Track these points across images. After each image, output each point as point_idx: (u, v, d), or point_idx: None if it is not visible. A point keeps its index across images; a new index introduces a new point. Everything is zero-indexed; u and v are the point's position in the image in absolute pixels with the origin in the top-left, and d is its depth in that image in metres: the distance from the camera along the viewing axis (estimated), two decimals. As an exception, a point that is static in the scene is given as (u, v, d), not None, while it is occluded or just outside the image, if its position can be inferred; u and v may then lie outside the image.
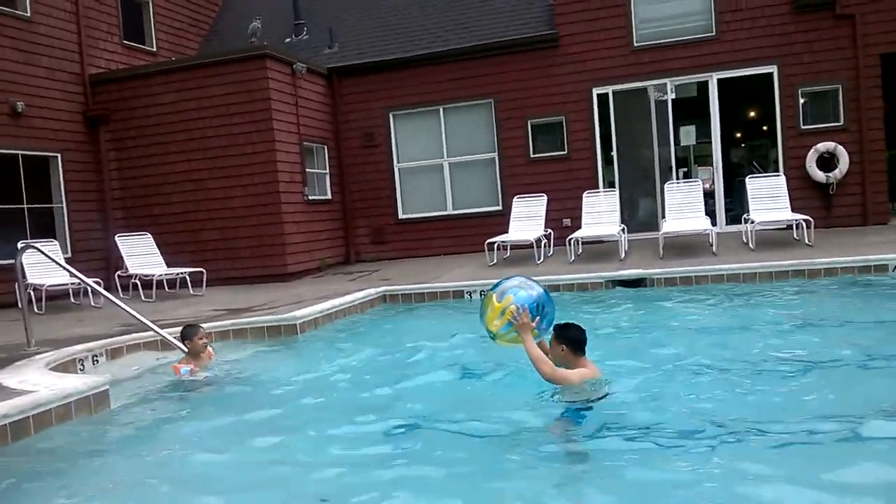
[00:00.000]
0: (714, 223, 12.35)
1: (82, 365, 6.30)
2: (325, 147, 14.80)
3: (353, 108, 15.09)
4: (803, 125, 13.14)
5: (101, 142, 13.47)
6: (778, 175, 12.33)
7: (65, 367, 6.02)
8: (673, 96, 13.72)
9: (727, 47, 13.32)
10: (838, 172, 12.76)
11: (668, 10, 13.77)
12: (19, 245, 7.72)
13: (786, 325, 6.48)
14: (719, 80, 13.48)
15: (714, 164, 13.79)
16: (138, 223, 13.07)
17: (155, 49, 15.51)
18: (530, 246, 11.93)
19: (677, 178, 13.68)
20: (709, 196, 13.42)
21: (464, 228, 14.45)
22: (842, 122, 12.94)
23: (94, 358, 6.46)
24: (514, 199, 13.26)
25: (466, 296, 9.27)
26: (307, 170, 13.89)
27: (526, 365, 4.46)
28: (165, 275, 11.68)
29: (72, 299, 11.32)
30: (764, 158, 16.09)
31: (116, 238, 12.16)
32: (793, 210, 11.47)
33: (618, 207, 12.45)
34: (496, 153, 14.53)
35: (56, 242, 11.50)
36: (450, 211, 14.84)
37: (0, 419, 4.29)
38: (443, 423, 4.40)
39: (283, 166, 12.93)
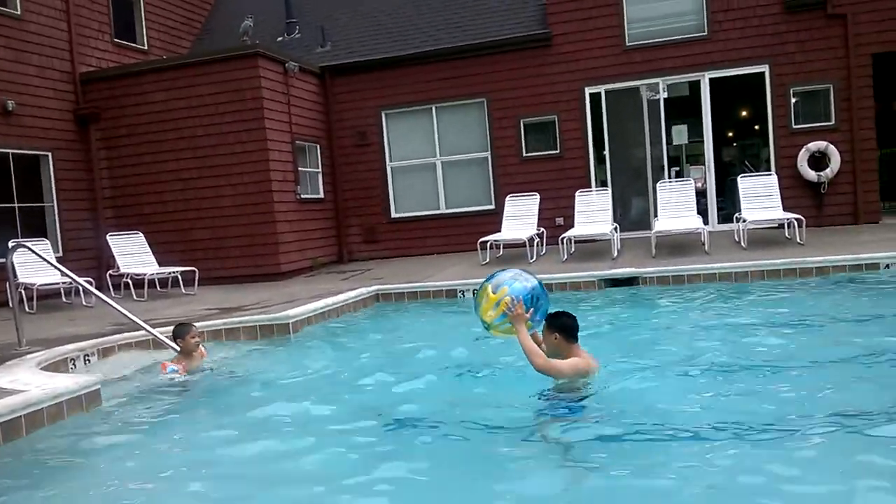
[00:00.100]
0: (706, 222, 12.38)
1: (74, 364, 6.27)
2: (318, 146, 14.77)
3: (345, 107, 15.07)
4: (795, 124, 13.19)
5: (91, 140, 13.41)
6: (769, 174, 12.37)
7: (56, 366, 5.98)
8: (665, 95, 13.75)
9: (719, 47, 13.36)
10: (829, 171, 12.82)
11: (661, 9, 13.81)
12: (10, 244, 7.66)
13: (778, 324, 6.50)
14: (711, 80, 13.52)
15: (706, 164, 13.84)
16: (129, 222, 13.02)
17: (146, 47, 15.45)
18: (523, 245, 11.94)
19: (669, 178, 13.72)
20: (701, 195, 13.45)
21: (456, 227, 14.45)
22: (833, 122, 13.00)
23: (86, 357, 6.43)
24: (507, 198, 13.27)
25: (459, 295, 9.26)
26: (299, 169, 13.86)
27: (519, 361, 4.46)
28: (157, 274, 11.64)
29: (63, 298, 11.26)
30: (756, 157, 16.15)
31: (108, 237, 12.11)
32: (784, 209, 11.51)
33: (610, 206, 12.48)
34: (489, 152, 14.53)
35: (47, 241, 11.46)
36: (442, 210, 14.84)
37: (-9, 419, 4.26)
38: (436, 422, 4.39)
39: (275, 165, 12.90)
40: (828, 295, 7.77)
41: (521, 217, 12.82)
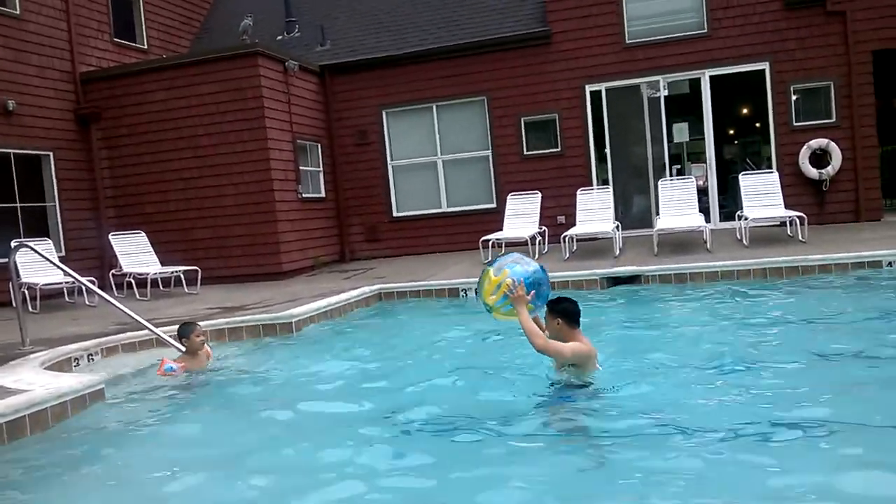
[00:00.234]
0: (708, 220, 12.39)
1: (77, 364, 6.27)
2: (319, 145, 14.77)
3: (346, 105, 15.06)
4: (796, 122, 13.18)
5: (92, 140, 13.41)
6: (771, 172, 12.38)
7: (60, 366, 5.99)
8: (666, 93, 13.74)
9: (719, 44, 13.36)
10: (831, 169, 12.82)
11: (661, 6, 13.80)
12: (13, 244, 7.67)
13: (780, 321, 6.51)
14: (712, 77, 13.51)
15: (707, 161, 13.84)
16: (131, 221, 13.02)
17: (146, 47, 15.44)
18: (525, 243, 11.94)
19: (671, 175, 13.72)
20: (702, 193, 13.45)
21: (458, 226, 14.45)
22: (834, 119, 12.99)
23: (90, 357, 6.44)
24: (509, 196, 13.27)
25: (461, 293, 9.27)
26: (300, 168, 13.85)
27: (521, 360, 4.47)
28: (160, 273, 11.64)
29: (66, 298, 11.26)
30: (757, 155, 16.13)
31: (110, 236, 12.12)
32: (786, 207, 11.51)
33: (612, 204, 12.48)
34: (490, 150, 14.53)
35: (50, 241, 11.48)
36: (444, 208, 14.84)
37: (-4, 419, 4.27)
38: (440, 420, 4.40)
39: (276, 164, 12.90)
40: (830, 292, 7.78)
41: (522, 215, 12.82)
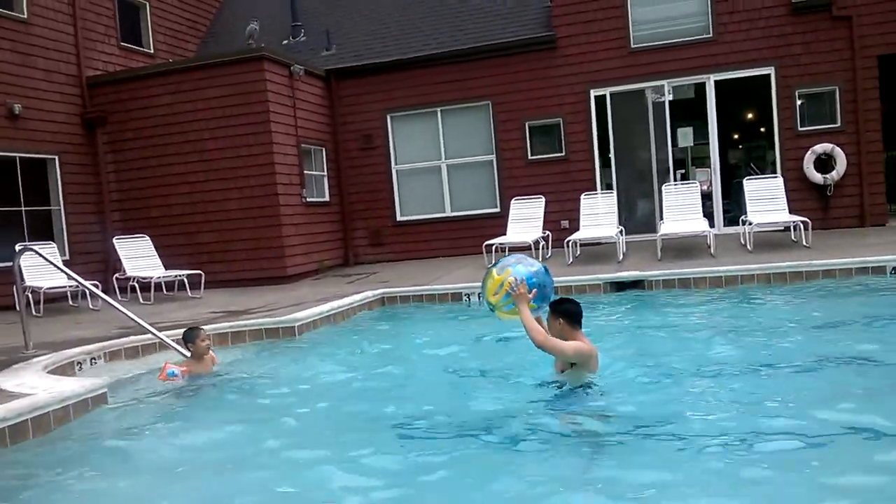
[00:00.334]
0: (712, 225, 12.36)
1: (80, 367, 6.29)
2: (323, 149, 14.80)
3: (350, 109, 15.09)
4: (801, 127, 13.16)
5: (98, 144, 13.46)
6: (775, 177, 12.35)
7: (63, 369, 6.01)
8: (670, 98, 13.73)
9: (724, 49, 13.34)
10: (836, 174, 12.79)
11: (666, 11, 13.79)
12: (17, 247, 7.71)
13: (784, 326, 6.48)
14: (717, 82, 13.49)
15: (711, 166, 13.81)
16: (136, 225, 13.05)
17: (152, 51, 15.50)
18: (528, 248, 11.91)
19: (675, 180, 13.69)
20: (706, 198, 13.43)
21: (462, 230, 14.45)
22: (839, 124, 12.96)
23: (93, 360, 6.45)
24: (512, 200, 13.27)
25: (465, 298, 9.27)
26: (305, 172, 13.88)
27: (524, 361, 4.47)
28: (163, 277, 11.66)
29: (70, 302, 11.30)
30: (761, 160, 16.12)
31: (114, 240, 12.15)
32: (790, 212, 11.48)
33: (616, 209, 12.46)
34: (494, 155, 14.53)
35: (54, 245, 11.50)
36: (448, 213, 14.84)
37: (-2, 422, 4.28)
38: (444, 422, 4.41)
39: (281, 168, 12.92)
40: (835, 297, 7.75)
41: (526, 220, 12.82)
